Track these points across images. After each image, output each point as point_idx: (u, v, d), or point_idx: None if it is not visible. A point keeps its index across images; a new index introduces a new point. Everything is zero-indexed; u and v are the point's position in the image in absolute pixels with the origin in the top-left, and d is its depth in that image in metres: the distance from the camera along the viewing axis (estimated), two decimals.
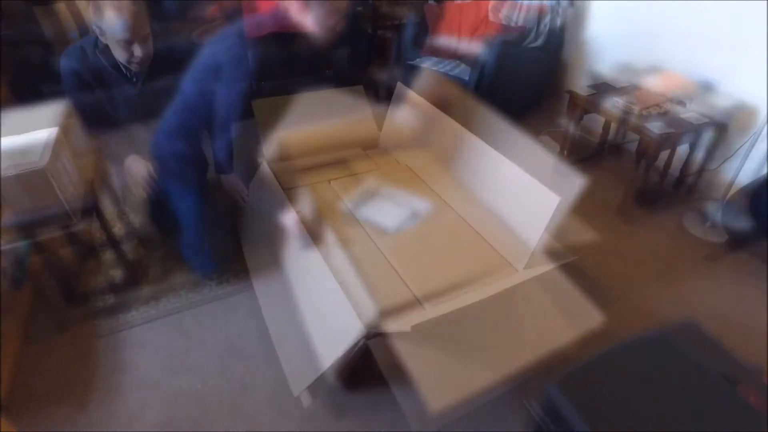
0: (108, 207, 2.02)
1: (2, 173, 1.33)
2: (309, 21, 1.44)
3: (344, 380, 1.45)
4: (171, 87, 1.65)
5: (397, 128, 1.93)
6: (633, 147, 2.76)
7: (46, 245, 1.52)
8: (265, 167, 1.71)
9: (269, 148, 1.73)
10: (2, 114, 1.53)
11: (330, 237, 1.47)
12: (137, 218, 2.14)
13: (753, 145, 2.13)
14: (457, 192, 1.72)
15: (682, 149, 2.39)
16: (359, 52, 3.04)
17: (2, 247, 1.47)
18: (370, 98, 1.99)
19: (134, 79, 1.74)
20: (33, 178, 1.36)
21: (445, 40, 3.03)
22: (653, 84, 2.41)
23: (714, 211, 2.26)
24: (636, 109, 2.23)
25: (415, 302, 1.29)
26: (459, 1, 3.11)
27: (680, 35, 2.44)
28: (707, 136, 2.31)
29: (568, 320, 1.31)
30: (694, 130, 2.19)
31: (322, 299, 1.35)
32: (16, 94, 2.42)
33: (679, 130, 2.14)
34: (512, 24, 2.94)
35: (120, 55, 1.64)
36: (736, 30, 2.20)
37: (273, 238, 1.64)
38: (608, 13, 2.84)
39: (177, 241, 1.93)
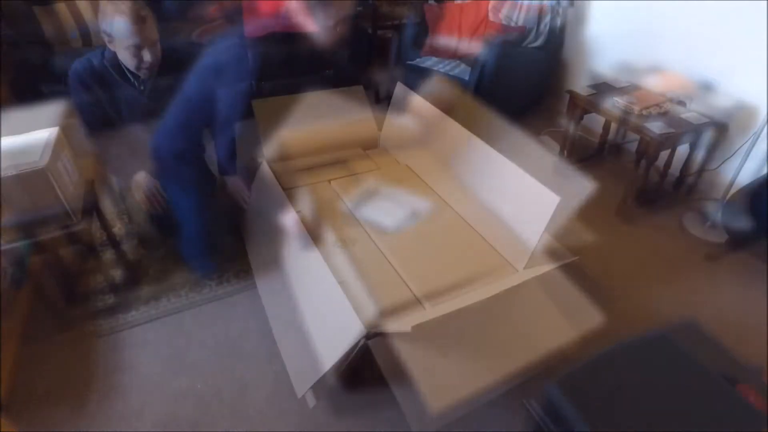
0: (108, 207, 2.03)
1: (2, 173, 1.33)
2: (310, 22, 1.44)
3: (344, 380, 1.45)
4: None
5: (400, 131, 1.93)
6: (633, 147, 2.75)
7: (46, 245, 1.52)
8: (265, 167, 1.71)
9: (269, 148, 1.73)
10: (2, 114, 1.53)
11: (330, 237, 1.47)
12: (137, 218, 2.14)
13: (753, 145, 2.13)
14: (457, 192, 1.72)
15: (682, 149, 2.39)
16: (359, 52, 3.05)
17: (2, 247, 1.46)
18: (370, 98, 1.99)
19: (142, 87, 1.74)
20: (33, 178, 1.36)
21: (445, 40, 3.03)
22: (653, 84, 2.41)
23: (714, 211, 2.26)
24: (636, 109, 2.23)
25: (416, 302, 1.29)
26: (459, 1, 3.11)
27: (680, 35, 2.44)
28: (707, 136, 2.31)
29: (568, 320, 1.31)
30: (694, 130, 2.20)
31: (322, 299, 1.35)
32: (16, 94, 2.42)
33: (679, 130, 2.15)
34: (512, 24, 2.94)
35: (129, 61, 1.64)
36: (736, 30, 2.20)
37: (273, 237, 1.64)
38: (608, 13, 2.83)
39: (177, 241, 1.93)
